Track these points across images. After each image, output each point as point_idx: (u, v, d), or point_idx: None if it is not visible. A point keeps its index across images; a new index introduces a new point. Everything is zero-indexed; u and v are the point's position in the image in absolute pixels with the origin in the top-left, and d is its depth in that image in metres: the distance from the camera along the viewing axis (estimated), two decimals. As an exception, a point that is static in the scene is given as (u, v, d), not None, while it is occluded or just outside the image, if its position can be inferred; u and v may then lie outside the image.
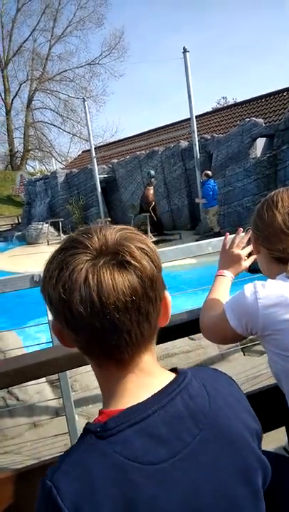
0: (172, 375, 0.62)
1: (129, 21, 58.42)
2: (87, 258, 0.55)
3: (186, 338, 2.94)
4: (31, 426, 2.23)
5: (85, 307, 0.53)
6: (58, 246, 0.61)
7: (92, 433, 0.55)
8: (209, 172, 10.30)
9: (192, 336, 2.98)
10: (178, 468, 0.54)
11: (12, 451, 2.09)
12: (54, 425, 2.25)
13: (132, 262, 0.55)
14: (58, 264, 0.57)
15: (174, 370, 0.64)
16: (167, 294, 0.63)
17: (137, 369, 0.59)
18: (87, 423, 0.57)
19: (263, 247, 1.06)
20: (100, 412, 0.59)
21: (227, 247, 1.22)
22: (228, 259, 1.21)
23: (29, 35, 33.69)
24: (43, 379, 2.24)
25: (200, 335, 3.15)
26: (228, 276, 1.19)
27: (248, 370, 2.82)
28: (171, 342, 2.72)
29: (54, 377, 2.26)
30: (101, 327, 0.54)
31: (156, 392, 0.58)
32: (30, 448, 2.10)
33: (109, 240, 0.57)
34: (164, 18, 57.08)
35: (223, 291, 1.16)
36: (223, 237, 2.26)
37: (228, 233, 1.25)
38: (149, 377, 0.60)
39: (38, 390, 2.35)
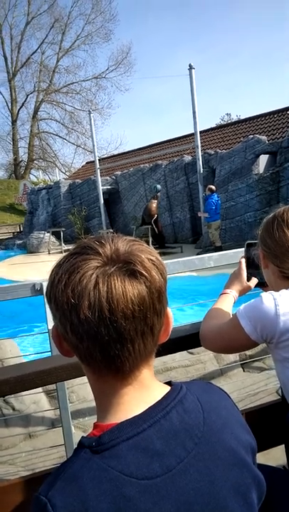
0: (167, 389, 0.62)
1: (137, 37, 59.75)
2: (98, 264, 0.55)
3: (186, 352, 2.93)
4: (26, 436, 2.20)
5: (93, 312, 0.53)
6: (69, 250, 0.61)
7: (86, 448, 0.54)
8: (213, 187, 10.32)
9: (191, 350, 2.96)
10: (172, 483, 0.53)
11: (6, 461, 2.06)
12: (50, 436, 2.22)
13: (143, 272, 0.55)
14: (68, 268, 0.56)
15: (168, 383, 0.64)
16: (169, 310, 0.63)
17: (135, 382, 0.59)
18: (82, 437, 0.56)
19: (272, 263, 1.08)
20: (95, 426, 0.58)
21: (243, 274, 1.23)
22: (236, 281, 1.23)
23: (37, 48, 34.43)
24: (40, 389, 2.22)
25: (199, 349, 3.13)
26: (231, 294, 1.21)
27: (248, 387, 2.79)
28: (170, 356, 2.71)
29: (51, 387, 2.24)
30: (107, 334, 0.54)
31: (151, 405, 0.58)
32: (25, 459, 2.06)
33: (121, 249, 0.57)
34: (171, 35, 58.26)
35: (226, 305, 1.17)
36: (225, 252, 2.28)
37: (243, 260, 1.25)
38: (146, 390, 0.60)
39: (35, 400, 2.32)
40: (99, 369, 0.58)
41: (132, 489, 0.51)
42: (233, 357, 3.10)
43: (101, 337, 0.54)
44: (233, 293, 1.21)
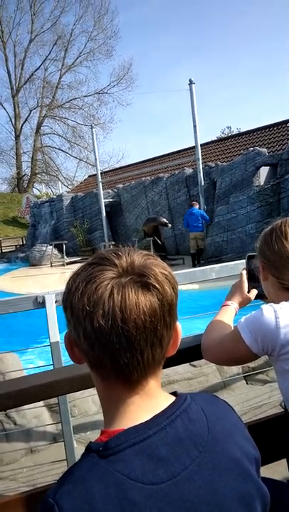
0: (173, 398, 0.63)
1: (138, 53, 60.74)
2: (114, 275, 0.58)
3: (188, 364, 2.91)
4: (28, 451, 2.17)
5: (106, 321, 0.55)
6: (87, 260, 0.63)
7: (94, 452, 0.56)
8: (195, 201, 10.96)
9: (194, 363, 2.94)
10: (176, 489, 0.54)
11: (7, 477, 2.03)
12: (51, 451, 2.19)
13: (156, 285, 0.58)
14: (86, 277, 0.59)
15: (173, 393, 0.65)
16: (178, 324, 0.65)
17: (142, 392, 0.60)
18: (90, 442, 0.58)
19: (272, 275, 1.08)
20: (102, 432, 0.60)
21: (244, 286, 1.24)
22: (237, 293, 1.24)
23: (40, 65, 35.09)
24: (42, 403, 2.20)
25: (202, 362, 3.10)
26: (232, 306, 1.21)
27: (251, 400, 2.76)
28: (172, 368, 2.69)
29: (53, 401, 2.22)
30: (118, 343, 0.56)
31: (156, 413, 0.59)
32: (26, 474, 2.04)
33: (136, 261, 0.60)
34: (172, 50, 59.40)
35: (228, 317, 1.18)
36: (226, 264, 2.28)
37: (244, 271, 1.26)
38: (152, 400, 0.61)
39: (36, 415, 2.30)
40: (108, 376, 0.60)
41: (137, 494, 0.52)
42: (236, 369, 3.08)
43: (112, 345, 0.56)
44: (234, 305, 1.21)
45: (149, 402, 0.60)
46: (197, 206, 10.71)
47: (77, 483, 0.53)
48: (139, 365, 0.58)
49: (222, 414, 0.65)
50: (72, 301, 0.59)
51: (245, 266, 1.28)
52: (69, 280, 0.62)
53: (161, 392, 0.63)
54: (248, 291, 1.24)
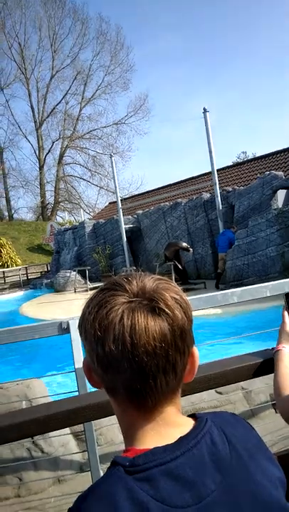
0: (192, 422, 0.62)
1: (153, 84, 62.77)
2: (125, 300, 0.58)
3: (214, 391, 2.84)
4: (55, 481, 2.15)
5: (116, 346, 0.56)
6: (100, 287, 0.65)
7: (121, 466, 0.55)
8: (233, 226, 11.03)
9: (219, 390, 2.88)
10: None
11: (35, 507, 2.01)
12: (78, 481, 2.16)
13: (166, 309, 0.57)
14: (98, 302, 0.60)
15: (192, 415, 0.64)
16: (195, 349, 0.64)
17: (160, 419, 0.59)
18: (116, 456, 0.57)
19: None
20: (127, 450, 0.59)
21: (287, 326, 1.21)
22: (285, 335, 1.21)
23: (62, 99, 36.88)
24: (68, 430, 2.20)
25: (228, 388, 3.01)
26: (286, 349, 1.17)
27: (281, 429, 2.66)
28: (198, 395, 2.64)
29: (79, 429, 2.22)
30: (129, 368, 0.56)
31: (182, 435, 0.58)
32: (54, 505, 2.01)
33: (147, 286, 0.60)
34: (187, 80, 61.00)
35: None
36: (248, 287, 2.27)
37: (285, 312, 1.23)
38: (171, 428, 0.60)
39: (63, 443, 2.29)
40: (123, 402, 0.60)
41: None
42: (264, 397, 2.99)
43: (123, 370, 0.56)
44: (287, 348, 1.17)
45: (167, 430, 0.59)
46: (234, 230, 10.82)
47: (103, 497, 0.52)
48: (152, 391, 0.57)
49: (242, 435, 0.64)
50: (85, 326, 0.60)
51: (285, 306, 1.25)
52: (84, 306, 0.63)
53: (181, 418, 0.62)
54: None
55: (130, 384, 0.57)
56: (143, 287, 0.59)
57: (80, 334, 0.63)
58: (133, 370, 0.56)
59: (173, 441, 0.57)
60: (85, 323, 0.60)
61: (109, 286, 0.61)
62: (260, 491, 0.58)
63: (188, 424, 0.61)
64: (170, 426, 0.60)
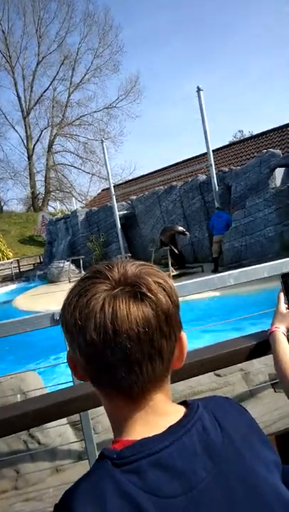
0: (183, 410, 0.61)
1: (145, 65, 61.73)
2: (106, 288, 0.57)
3: (212, 374, 2.83)
4: (53, 471, 2.14)
5: (98, 334, 0.54)
6: (81, 276, 0.63)
7: (108, 459, 0.54)
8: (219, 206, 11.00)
9: (218, 372, 2.86)
10: (192, 502, 0.52)
11: (34, 497, 2.00)
12: (77, 470, 2.15)
13: (148, 294, 0.56)
14: (78, 291, 0.58)
15: (183, 402, 0.63)
16: (184, 335, 0.62)
17: (147, 407, 0.58)
18: (104, 448, 0.56)
19: None
20: (116, 441, 0.58)
21: (282, 307, 1.21)
22: (279, 316, 1.21)
23: (49, 85, 36.09)
24: (65, 420, 2.18)
25: (226, 371, 3.00)
26: (280, 330, 1.17)
27: (281, 408, 2.65)
28: (196, 379, 2.62)
29: (76, 418, 2.19)
30: (112, 356, 0.55)
31: (171, 424, 0.57)
32: (52, 495, 2.00)
33: (129, 272, 0.58)
34: (180, 58, 60.01)
35: (287, 349, 1.12)
36: (245, 269, 2.22)
37: (281, 294, 1.23)
38: (160, 416, 0.58)
39: (60, 433, 2.27)
40: (110, 392, 0.59)
41: (151, 507, 0.50)
42: (262, 377, 2.98)
43: (107, 359, 0.55)
44: (281, 328, 1.17)
45: (156, 419, 0.58)
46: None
47: (91, 491, 0.52)
48: (139, 378, 0.56)
49: (235, 418, 0.62)
50: (66, 317, 0.59)
51: (281, 287, 1.24)
52: (65, 297, 0.61)
53: (170, 407, 0.61)
54: None
55: (115, 372, 0.56)
56: (125, 273, 0.58)
57: (62, 326, 0.61)
58: (116, 357, 0.55)
59: (162, 430, 0.56)
60: (66, 314, 0.59)
61: (90, 275, 0.60)
62: (255, 475, 0.57)
63: (179, 412, 0.60)
64: (159, 415, 0.59)
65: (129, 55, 61.36)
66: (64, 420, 2.15)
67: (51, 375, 3.95)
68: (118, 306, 0.54)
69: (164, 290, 0.58)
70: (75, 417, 2.05)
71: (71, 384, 1.77)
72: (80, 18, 35.93)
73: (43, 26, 35.40)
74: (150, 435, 0.56)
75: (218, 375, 2.84)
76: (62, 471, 2.15)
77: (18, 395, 2.21)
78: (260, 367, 2.92)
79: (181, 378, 1.20)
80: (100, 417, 2.25)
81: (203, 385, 2.76)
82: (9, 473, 2.05)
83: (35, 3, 34.72)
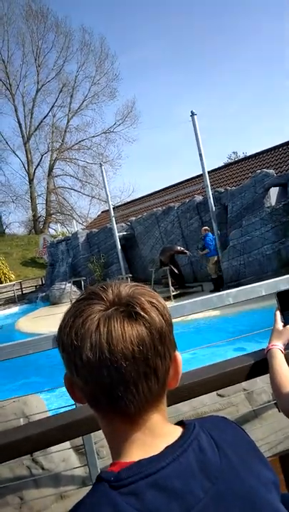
0: (180, 430, 0.61)
1: (140, 91, 63.32)
2: (101, 308, 0.58)
3: (215, 394, 2.81)
4: (58, 497, 2.09)
5: (94, 354, 0.55)
6: (76, 298, 0.64)
7: (105, 481, 0.54)
8: (207, 227, 11.10)
9: (220, 393, 2.84)
10: None
11: (37, 526, 1.95)
12: (82, 496, 2.11)
13: (142, 313, 0.57)
14: (74, 313, 0.59)
15: (180, 422, 0.63)
16: (178, 354, 0.63)
17: (145, 428, 0.58)
18: (101, 471, 0.57)
19: None
20: (113, 464, 0.58)
21: (278, 324, 1.23)
22: (276, 334, 1.23)
23: (48, 112, 36.96)
24: (68, 444, 2.15)
25: (229, 391, 2.97)
26: (278, 347, 1.19)
27: (285, 428, 2.62)
28: (199, 399, 2.60)
29: (79, 442, 2.17)
30: (108, 375, 0.55)
31: (168, 445, 0.57)
32: (57, 523, 1.96)
33: (123, 293, 0.60)
34: (173, 87, 61.50)
35: (284, 366, 1.14)
36: (244, 287, 2.25)
37: (277, 312, 1.25)
38: (157, 438, 0.58)
39: (64, 458, 2.24)
40: (107, 413, 0.58)
41: None
42: (266, 396, 2.96)
43: (103, 378, 0.55)
44: (279, 346, 1.19)
45: (154, 441, 0.58)
46: (208, 231, 10.95)
47: None
48: (135, 398, 0.56)
49: (231, 437, 0.63)
50: (62, 337, 0.59)
51: (277, 306, 1.26)
52: (61, 318, 0.62)
53: (168, 427, 0.61)
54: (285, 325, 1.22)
55: (111, 392, 0.56)
56: (119, 294, 0.59)
57: (58, 347, 0.61)
58: (112, 377, 0.55)
59: (159, 451, 0.56)
60: (62, 335, 0.59)
61: (85, 296, 0.61)
62: (253, 494, 0.57)
63: (176, 432, 0.60)
64: (157, 436, 0.58)
65: (125, 81, 63.04)
66: (68, 444, 2.13)
67: (54, 397, 3.91)
68: (113, 325, 0.55)
69: (157, 309, 0.59)
70: (79, 441, 2.03)
71: (74, 407, 1.77)
72: (77, 48, 37.13)
73: (41, 55, 36.59)
74: (147, 456, 0.55)
75: (221, 396, 2.82)
76: (67, 497, 2.10)
77: (21, 419, 2.19)
78: (263, 386, 2.90)
79: (182, 399, 1.20)
80: (103, 441, 2.23)
81: (207, 405, 2.74)
82: (13, 500, 2.00)
83: (34, 34, 36.01)
